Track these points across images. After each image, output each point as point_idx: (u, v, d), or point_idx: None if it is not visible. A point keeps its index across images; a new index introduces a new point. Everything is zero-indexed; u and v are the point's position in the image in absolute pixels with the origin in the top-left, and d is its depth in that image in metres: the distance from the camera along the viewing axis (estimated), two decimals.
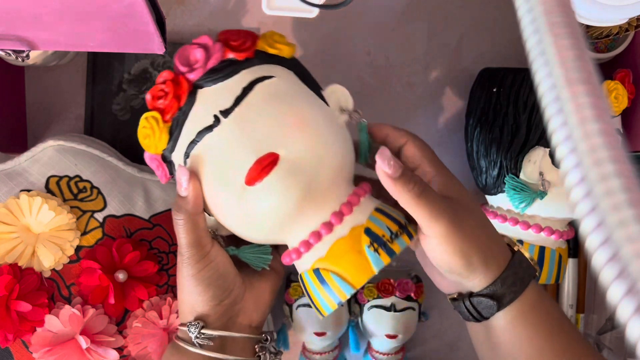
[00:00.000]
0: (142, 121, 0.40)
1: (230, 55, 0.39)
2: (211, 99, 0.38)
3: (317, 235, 0.38)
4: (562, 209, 0.50)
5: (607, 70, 0.52)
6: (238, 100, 0.38)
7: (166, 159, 0.41)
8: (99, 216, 0.47)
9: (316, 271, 0.38)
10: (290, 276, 0.57)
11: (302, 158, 0.36)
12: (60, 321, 0.45)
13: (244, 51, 0.39)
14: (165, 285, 0.49)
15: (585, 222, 0.18)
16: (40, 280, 0.46)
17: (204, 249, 0.39)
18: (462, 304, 0.40)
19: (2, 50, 0.47)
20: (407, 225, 0.39)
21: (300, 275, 0.40)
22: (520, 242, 0.51)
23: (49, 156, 0.47)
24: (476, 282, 0.38)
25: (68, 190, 0.47)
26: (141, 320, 0.47)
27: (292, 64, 0.42)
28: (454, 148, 0.60)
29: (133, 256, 0.46)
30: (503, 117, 0.50)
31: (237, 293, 0.42)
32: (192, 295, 0.40)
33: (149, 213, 0.49)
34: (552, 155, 0.49)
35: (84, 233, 0.47)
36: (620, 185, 0.17)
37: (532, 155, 0.49)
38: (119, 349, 0.47)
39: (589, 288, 0.62)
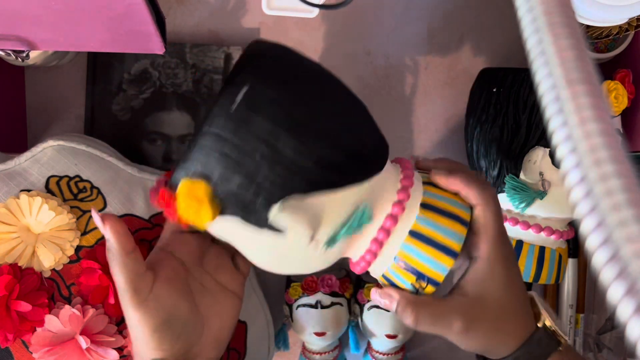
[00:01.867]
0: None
1: None
2: None
3: (378, 243, 0.38)
4: (562, 209, 0.50)
5: (607, 70, 0.53)
6: None
7: None
8: None
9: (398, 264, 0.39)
10: (290, 276, 0.57)
11: None
12: (60, 321, 0.45)
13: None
14: None
15: (585, 222, 0.18)
16: (40, 280, 0.46)
17: (140, 294, 0.36)
18: None
19: (2, 50, 0.47)
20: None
21: (383, 276, 0.40)
22: (520, 242, 0.51)
23: (49, 156, 0.47)
24: (493, 356, 0.40)
25: (68, 190, 0.47)
26: None
27: (231, 210, 0.34)
28: (454, 148, 0.60)
29: None
30: (503, 117, 0.50)
31: (192, 338, 0.38)
32: (139, 342, 0.37)
33: (149, 213, 0.49)
34: (552, 155, 0.49)
35: (84, 233, 0.47)
36: (620, 185, 0.17)
37: (532, 155, 0.49)
38: (119, 349, 0.47)
39: (588, 288, 0.62)
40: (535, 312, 0.41)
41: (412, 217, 0.37)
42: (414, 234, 0.37)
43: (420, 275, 0.37)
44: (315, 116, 0.34)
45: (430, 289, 0.38)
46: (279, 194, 0.33)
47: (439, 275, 0.37)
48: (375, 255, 0.38)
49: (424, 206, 0.38)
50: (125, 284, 0.36)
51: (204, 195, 0.33)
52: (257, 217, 0.34)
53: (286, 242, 0.35)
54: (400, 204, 0.37)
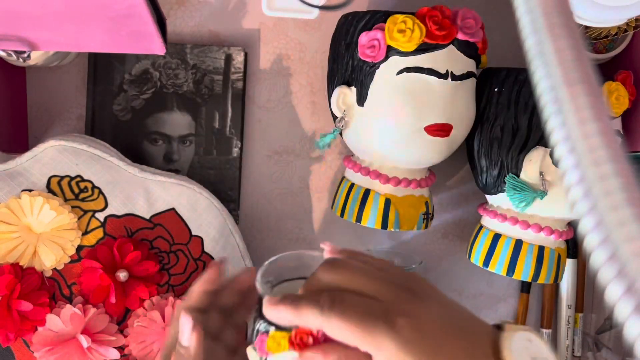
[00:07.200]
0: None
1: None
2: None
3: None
4: (562, 208, 0.50)
5: (606, 71, 0.53)
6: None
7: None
8: (100, 216, 0.48)
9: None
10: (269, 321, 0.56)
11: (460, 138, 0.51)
12: (61, 320, 0.45)
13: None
14: (166, 285, 0.49)
15: (584, 222, 0.18)
16: (42, 280, 0.46)
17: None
18: None
19: (3, 50, 0.47)
20: None
21: None
22: (520, 241, 0.51)
23: (50, 156, 0.47)
24: None
25: (69, 190, 0.47)
26: (143, 319, 0.47)
27: None
28: None
29: (134, 256, 0.46)
30: (504, 117, 0.50)
31: None
32: None
33: (149, 213, 0.49)
34: (552, 155, 0.49)
35: (85, 233, 0.47)
36: (619, 184, 0.17)
37: (532, 155, 0.49)
38: (120, 348, 0.47)
39: (587, 288, 0.62)
40: None
41: None
42: None
43: None
44: None
45: None
46: None
47: None
48: None
49: None
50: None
51: None
52: None
53: None
54: None
